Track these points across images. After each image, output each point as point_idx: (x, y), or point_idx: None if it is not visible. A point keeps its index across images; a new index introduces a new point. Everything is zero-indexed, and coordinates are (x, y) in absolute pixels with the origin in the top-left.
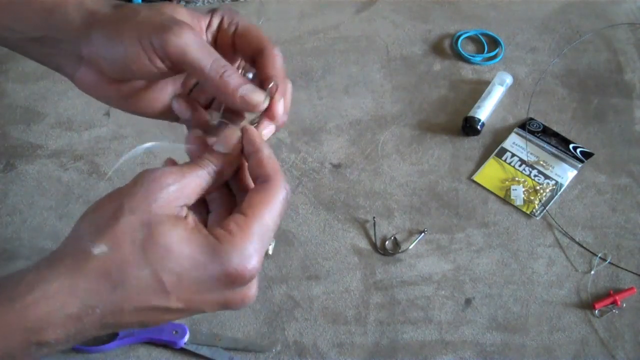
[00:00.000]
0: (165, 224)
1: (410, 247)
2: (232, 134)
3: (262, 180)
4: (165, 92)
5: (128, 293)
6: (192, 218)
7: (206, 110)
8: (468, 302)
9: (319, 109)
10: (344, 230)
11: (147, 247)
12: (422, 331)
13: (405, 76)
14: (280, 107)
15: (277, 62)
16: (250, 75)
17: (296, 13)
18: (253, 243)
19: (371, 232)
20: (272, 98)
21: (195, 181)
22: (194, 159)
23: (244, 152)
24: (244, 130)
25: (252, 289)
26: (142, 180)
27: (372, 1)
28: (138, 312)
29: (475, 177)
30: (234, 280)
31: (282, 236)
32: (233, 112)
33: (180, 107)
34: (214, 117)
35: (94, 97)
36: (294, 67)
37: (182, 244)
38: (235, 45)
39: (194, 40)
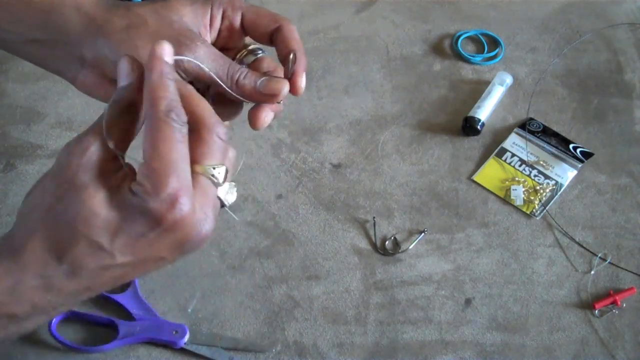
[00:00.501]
0: (84, 190)
1: (410, 247)
2: (126, 68)
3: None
4: None
5: (75, 260)
6: (118, 176)
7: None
8: (468, 302)
9: (319, 109)
10: (344, 230)
11: (74, 216)
12: (422, 331)
13: (405, 76)
14: (302, 80)
15: (295, 35)
16: (260, 53)
17: (296, 13)
18: (167, 183)
19: (371, 232)
20: (294, 72)
21: (110, 131)
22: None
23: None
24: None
25: (202, 227)
26: (61, 155)
27: (372, 1)
28: (95, 274)
29: (475, 177)
30: (169, 226)
31: (282, 236)
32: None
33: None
34: None
35: (96, 98)
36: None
37: (104, 208)
38: (245, 30)
39: (207, 53)
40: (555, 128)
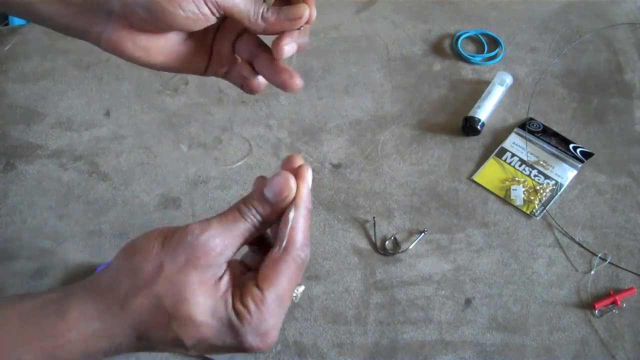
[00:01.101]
0: (195, 294)
1: (410, 247)
2: (284, 186)
3: (279, 244)
4: (191, 43)
5: (150, 344)
6: (225, 281)
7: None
8: (468, 302)
9: (319, 109)
10: (344, 230)
11: (174, 314)
12: (422, 331)
13: (405, 76)
14: (313, 10)
15: None
16: None
17: None
18: (269, 319)
19: (371, 232)
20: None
21: (237, 239)
22: (241, 208)
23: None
24: (298, 181)
25: (270, 345)
26: (185, 244)
27: (372, 1)
28: (158, 352)
29: (475, 177)
30: (250, 351)
31: None
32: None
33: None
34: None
35: (120, 55)
36: (294, 67)
37: (206, 316)
38: None
39: None
40: (555, 128)
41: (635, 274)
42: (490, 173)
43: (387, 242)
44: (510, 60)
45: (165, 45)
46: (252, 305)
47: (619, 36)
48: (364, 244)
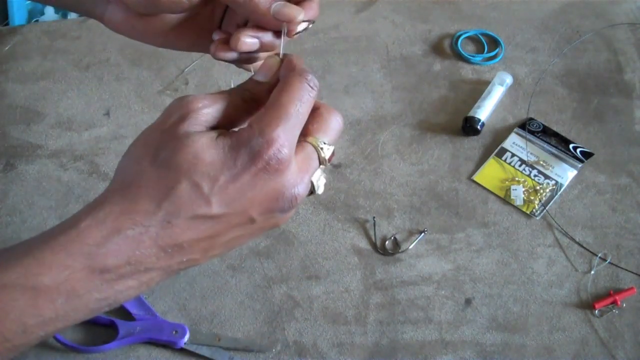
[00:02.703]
0: (190, 136)
1: (410, 247)
2: (272, 63)
3: (285, 74)
4: (195, 24)
5: (173, 206)
6: (218, 131)
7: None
8: (468, 302)
9: None
10: (344, 230)
11: (178, 158)
12: (422, 331)
13: (405, 76)
14: (311, 13)
15: None
16: None
17: None
18: (273, 125)
19: (371, 232)
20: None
21: (227, 107)
22: (233, 88)
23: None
24: (284, 59)
25: (295, 183)
26: (173, 107)
27: (372, 1)
28: (189, 226)
29: (475, 177)
30: (263, 164)
31: (282, 236)
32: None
33: (221, 52)
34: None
35: (125, 35)
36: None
37: (208, 148)
38: None
39: None
40: (555, 128)
41: (635, 274)
42: (490, 173)
43: (387, 242)
44: (510, 60)
45: (162, 26)
46: (252, 120)
47: (619, 36)
48: (364, 244)
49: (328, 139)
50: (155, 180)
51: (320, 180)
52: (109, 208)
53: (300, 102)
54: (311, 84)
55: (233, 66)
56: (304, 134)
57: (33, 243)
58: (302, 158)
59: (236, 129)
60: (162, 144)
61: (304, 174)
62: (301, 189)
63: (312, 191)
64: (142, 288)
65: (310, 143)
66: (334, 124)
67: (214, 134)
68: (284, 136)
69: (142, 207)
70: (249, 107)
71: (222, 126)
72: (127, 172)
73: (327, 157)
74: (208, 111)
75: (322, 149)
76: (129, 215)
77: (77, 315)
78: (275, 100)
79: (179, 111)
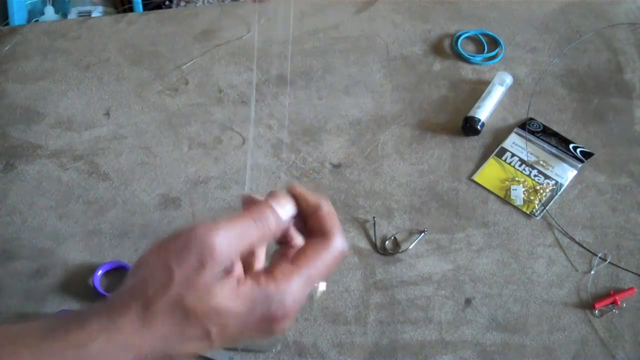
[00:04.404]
0: (213, 289)
1: (410, 247)
2: (286, 202)
3: (320, 234)
4: None
5: (178, 344)
6: (238, 267)
7: None
8: (468, 302)
9: (319, 109)
10: (344, 230)
11: (198, 309)
12: (422, 331)
13: (405, 76)
14: None
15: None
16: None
17: (296, 13)
18: (294, 291)
19: (371, 232)
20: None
21: (246, 239)
22: (249, 210)
23: (302, 212)
24: (296, 195)
25: (285, 326)
26: (192, 245)
27: (372, 1)
28: (183, 354)
29: (475, 177)
30: (270, 321)
31: None
32: None
33: None
34: None
35: None
36: (294, 67)
37: (229, 302)
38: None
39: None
40: (555, 128)
41: (635, 274)
42: (490, 173)
43: (387, 242)
44: (510, 60)
45: None
46: (278, 273)
47: (619, 36)
48: (364, 244)
49: (326, 277)
50: (170, 323)
51: (317, 295)
52: (118, 338)
53: (329, 269)
54: (342, 254)
55: (232, 66)
56: None
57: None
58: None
59: (258, 275)
60: (181, 294)
61: (295, 314)
62: (287, 326)
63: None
64: None
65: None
66: (334, 267)
67: (233, 280)
68: (300, 300)
69: (150, 344)
70: (266, 240)
71: (238, 256)
72: (143, 304)
73: (318, 296)
74: (226, 248)
75: (314, 293)
76: (136, 347)
77: None
78: (308, 262)
79: (197, 252)
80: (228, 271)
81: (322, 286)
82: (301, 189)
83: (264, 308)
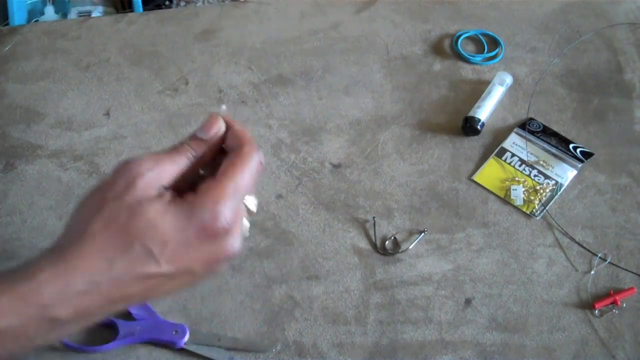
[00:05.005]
0: (143, 203)
1: (410, 247)
2: (216, 124)
3: (233, 149)
4: None
5: (124, 265)
6: (169, 194)
7: None
8: (468, 302)
9: (319, 109)
10: (344, 230)
11: (132, 225)
12: (422, 331)
13: (405, 76)
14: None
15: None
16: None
17: (296, 13)
18: (222, 200)
19: (371, 232)
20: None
21: (172, 167)
22: (176, 145)
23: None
24: (231, 124)
25: (233, 244)
26: (120, 171)
27: (372, 1)
28: (137, 282)
29: (475, 177)
30: (209, 234)
31: (282, 236)
32: None
33: None
34: None
35: None
36: (294, 67)
37: (161, 216)
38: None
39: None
40: (555, 128)
41: (635, 274)
42: (490, 173)
43: (387, 242)
44: (510, 60)
45: None
46: (203, 188)
47: (619, 36)
48: (364, 244)
49: (251, 190)
50: (109, 242)
51: (256, 207)
52: (65, 265)
53: (250, 176)
54: (261, 161)
55: (232, 67)
56: None
57: None
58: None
59: (187, 196)
60: (114, 211)
61: (238, 231)
62: (236, 245)
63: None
64: (85, 325)
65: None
66: (254, 177)
67: (165, 199)
68: (230, 209)
69: (95, 265)
70: (194, 166)
71: (171, 185)
72: (81, 230)
73: (254, 210)
74: (154, 174)
75: (248, 205)
76: (83, 271)
77: (21, 352)
78: (227, 173)
79: (126, 177)
80: (161, 195)
81: (251, 199)
82: (230, 120)
83: (197, 221)
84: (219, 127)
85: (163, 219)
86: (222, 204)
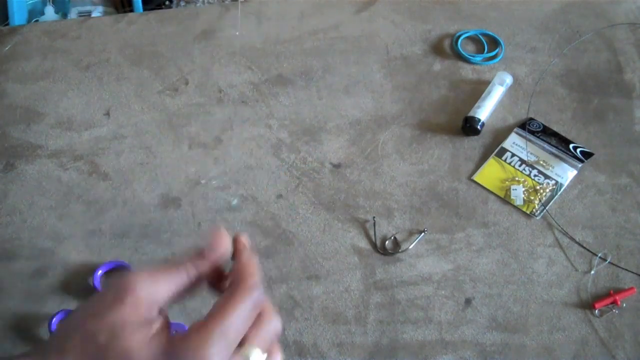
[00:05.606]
0: (126, 327)
1: (410, 247)
2: (217, 243)
3: (233, 283)
4: None
5: None
6: (160, 322)
7: None
8: (468, 302)
9: (319, 109)
10: (344, 230)
11: (109, 348)
12: (422, 331)
13: (405, 76)
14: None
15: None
16: None
17: (296, 13)
18: (206, 345)
19: (371, 232)
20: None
21: (168, 286)
22: (177, 261)
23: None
24: (238, 247)
25: None
26: (112, 284)
27: (372, 1)
28: None
29: (475, 177)
30: None
31: (282, 236)
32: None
33: None
34: None
35: None
36: (294, 67)
37: (138, 348)
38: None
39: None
40: (555, 128)
41: (635, 274)
42: (490, 173)
43: (387, 242)
44: (510, 60)
45: None
46: (191, 330)
47: (619, 36)
48: (364, 244)
49: (263, 345)
50: (82, 357)
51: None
52: None
53: (242, 319)
54: (257, 302)
55: (232, 67)
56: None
57: None
58: None
59: (176, 334)
60: (97, 329)
61: None
62: None
63: None
64: None
65: (241, 355)
66: (272, 330)
67: (151, 329)
68: (217, 354)
69: None
70: (196, 283)
71: (167, 303)
72: (61, 342)
73: None
74: (146, 292)
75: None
76: None
77: None
78: (215, 313)
79: (116, 290)
80: (149, 321)
81: (257, 354)
82: (243, 241)
83: None
84: (225, 251)
85: (140, 353)
86: (210, 347)
